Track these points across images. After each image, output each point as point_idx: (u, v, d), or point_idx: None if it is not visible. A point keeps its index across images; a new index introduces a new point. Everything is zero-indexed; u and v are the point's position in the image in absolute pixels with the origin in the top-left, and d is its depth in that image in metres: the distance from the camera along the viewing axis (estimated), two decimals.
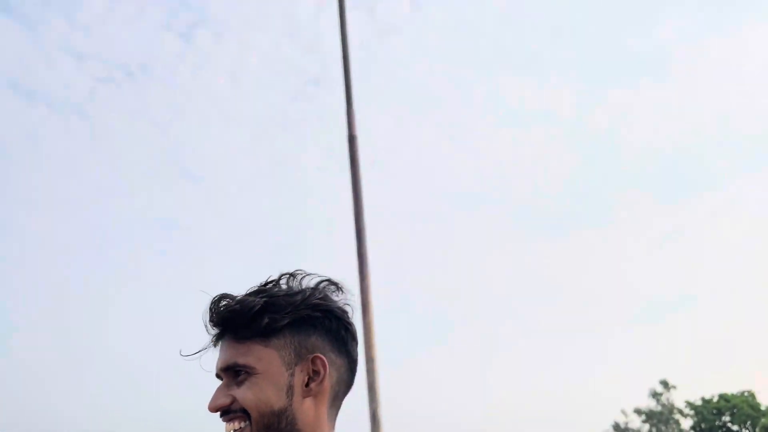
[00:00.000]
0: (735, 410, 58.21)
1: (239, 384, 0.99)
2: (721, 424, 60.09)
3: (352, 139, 6.37)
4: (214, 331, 1.03)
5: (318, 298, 1.03)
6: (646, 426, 65.86)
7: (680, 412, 65.83)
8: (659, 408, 65.76)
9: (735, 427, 59.77)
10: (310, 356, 1.01)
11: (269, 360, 0.99)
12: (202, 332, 1.04)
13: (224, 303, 1.01)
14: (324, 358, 1.01)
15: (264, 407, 0.97)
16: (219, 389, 1.01)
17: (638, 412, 66.93)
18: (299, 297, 1.01)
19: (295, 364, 1.00)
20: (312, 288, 1.04)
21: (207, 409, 1.00)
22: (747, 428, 59.11)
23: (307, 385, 1.00)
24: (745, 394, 58.05)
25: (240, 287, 1.04)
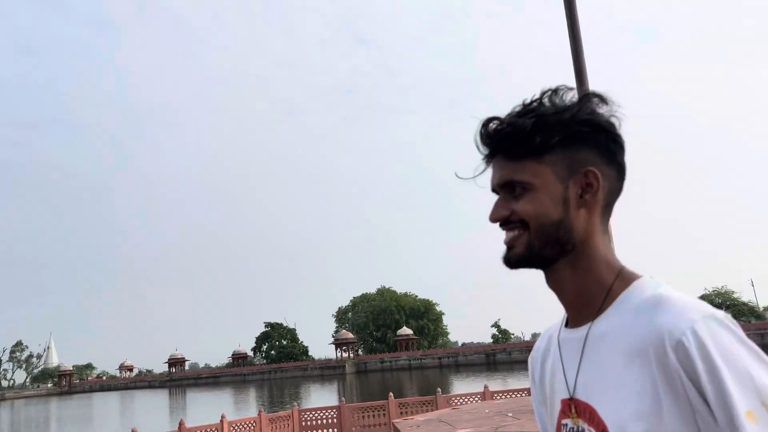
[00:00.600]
0: None
1: (517, 198, 1.03)
2: None
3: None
4: (486, 151, 1.07)
5: (586, 114, 1.02)
6: None
7: None
8: None
9: None
10: (583, 170, 1.02)
11: (544, 176, 1.02)
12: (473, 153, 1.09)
13: (494, 126, 1.04)
14: (596, 171, 1.02)
15: (542, 218, 1.01)
16: (498, 202, 1.05)
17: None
18: (567, 114, 1.02)
19: (569, 178, 1.02)
20: (578, 103, 1.03)
21: (488, 220, 1.06)
22: None
23: (581, 196, 1.02)
24: None
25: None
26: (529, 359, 1.22)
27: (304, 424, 16.42)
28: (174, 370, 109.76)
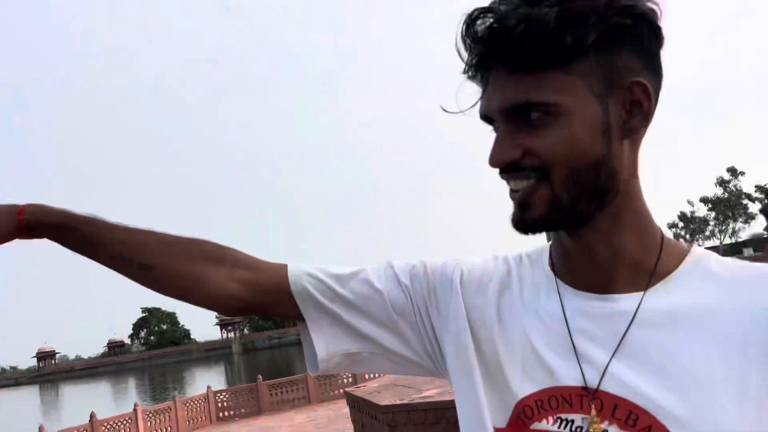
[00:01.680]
0: None
1: (535, 129, 0.73)
2: None
3: None
4: (477, 61, 0.75)
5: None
6: (712, 214, 68.48)
7: (748, 197, 67.98)
8: (726, 195, 67.74)
9: None
10: (627, 82, 0.74)
11: (575, 92, 0.73)
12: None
13: (491, 22, 0.72)
14: (646, 83, 0.74)
15: (576, 158, 0.73)
16: (502, 138, 0.75)
17: (705, 200, 69.82)
18: (603, 1, 0.71)
19: (608, 95, 0.74)
20: None
21: (489, 164, 0.77)
22: None
23: (626, 122, 0.75)
24: None
25: None
26: (466, 269, 0.91)
27: (183, 413, 15.39)
28: (44, 365, 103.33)
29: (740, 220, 71.47)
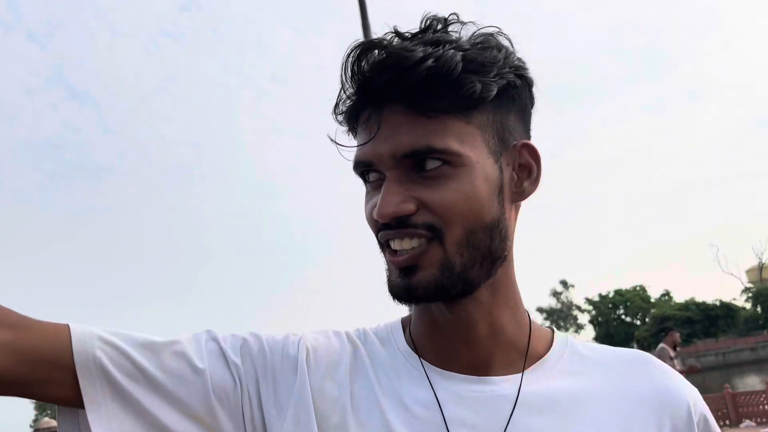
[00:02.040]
0: (628, 303, 64.95)
1: (429, 180, 0.66)
2: (616, 316, 66.26)
3: None
4: (364, 98, 0.68)
5: (517, 59, 0.71)
6: (547, 322, 72.27)
7: (578, 308, 73.08)
8: (559, 306, 72.31)
9: (628, 319, 66.48)
10: (518, 143, 0.71)
11: (474, 145, 0.66)
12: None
13: (386, 57, 0.65)
14: (534, 146, 0.71)
15: (473, 217, 0.66)
16: (392, 189, 0.66)
17: (540, 310, 73.89)
18: (501, 55, 0.68)
19: (501, 154, 0.69)
20: (500, 44, 0.70)
21: (373, 217, 0.68)
22: (638, 318, 64.72)
23: (516, 185, 0.71)
24: (638, 288, 64.60)
25: None
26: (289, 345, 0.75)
27: None
28: None
29: (572, 329, 75.27)
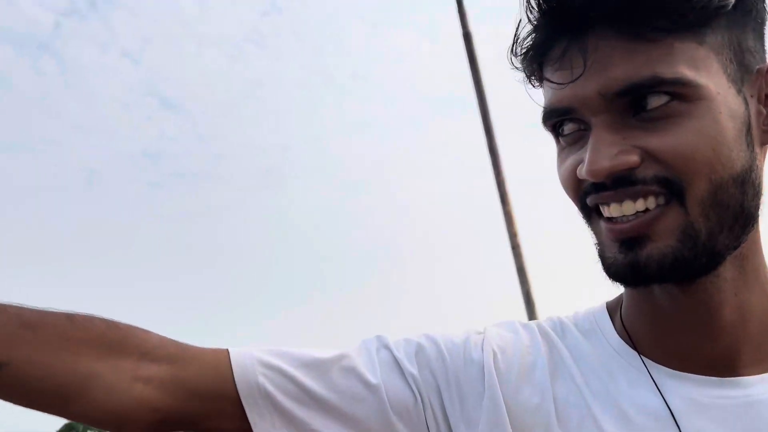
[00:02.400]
0: None
1: (653, 122, 0.51)
2: None
3: (467, 36, 6.27)
4: (558, 21, 0.52)
5: None
6: None
7: None
8: None
9: None
10: (763, 67, 0.55)
11: (711, 72, 0.51)
12: None
13: None
14: None
15: (721, 166, 0.50)
16: (603, 137, 0.51)
17: None
18: None
19: (742, 82, 0.53)
20: None
21: (577, 176, 0.54)
22: None
23: (765, 121, 0.54)
24: None
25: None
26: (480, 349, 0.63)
27: None
28: None
29: None
